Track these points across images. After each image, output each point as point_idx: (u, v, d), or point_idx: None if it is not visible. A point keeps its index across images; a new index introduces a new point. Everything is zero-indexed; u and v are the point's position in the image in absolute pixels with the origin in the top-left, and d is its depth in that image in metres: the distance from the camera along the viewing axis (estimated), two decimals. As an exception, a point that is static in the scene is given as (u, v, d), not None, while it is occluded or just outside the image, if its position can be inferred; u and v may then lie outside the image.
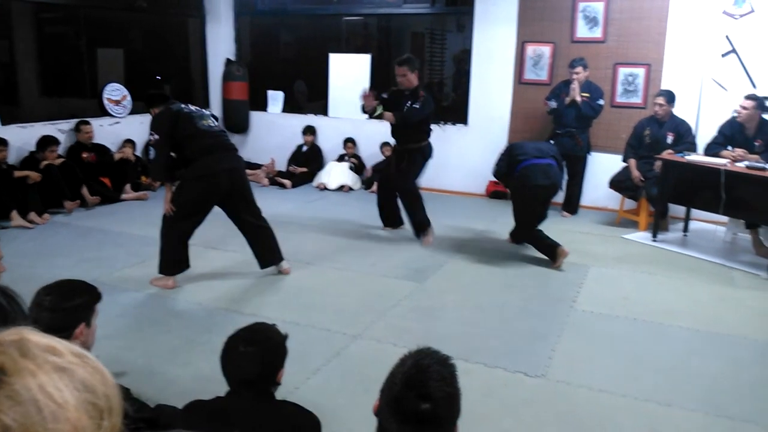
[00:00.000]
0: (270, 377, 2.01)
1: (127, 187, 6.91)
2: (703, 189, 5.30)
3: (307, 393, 2.91)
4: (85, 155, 6.71)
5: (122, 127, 7.51)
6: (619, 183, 6.17)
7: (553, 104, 6.39)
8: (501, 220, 5.93)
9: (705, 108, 6.30)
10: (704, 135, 5.97)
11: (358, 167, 7.92)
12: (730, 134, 5.57)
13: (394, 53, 8.47)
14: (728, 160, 5.26)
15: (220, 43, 8.62)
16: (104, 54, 7.72)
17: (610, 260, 5.13)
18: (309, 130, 8.14)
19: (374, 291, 4.36)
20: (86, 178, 6.44)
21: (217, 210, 4.34)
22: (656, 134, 5.93)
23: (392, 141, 5.73)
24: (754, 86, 6.02)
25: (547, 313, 4.05)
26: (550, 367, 3.30)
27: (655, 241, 5.66)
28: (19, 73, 7.08)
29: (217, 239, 5.14)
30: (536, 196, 4.99)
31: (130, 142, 7.29)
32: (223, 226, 4.61)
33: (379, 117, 5.33)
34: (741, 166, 5.11)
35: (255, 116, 8.63)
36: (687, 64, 6.32)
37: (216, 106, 8.63)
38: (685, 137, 5.86)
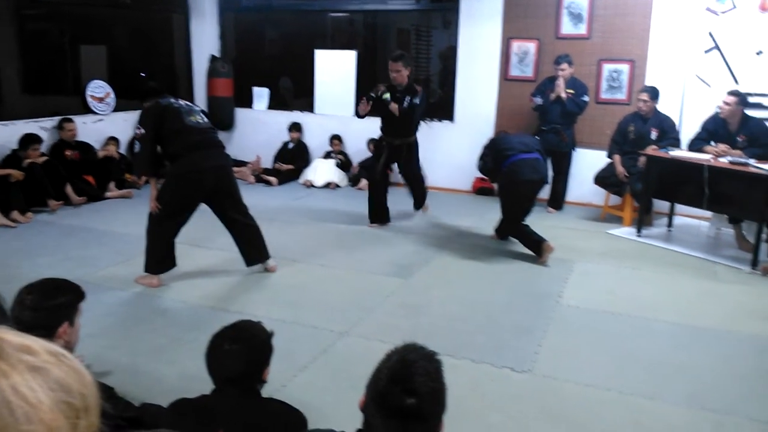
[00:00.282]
0: (255, 375, 2.01)
1: (112, 185, 6.85)
2: (686, 184, 5.34)
3: (293, 390, 2.90)
4: (68, 153, 6.65)
5: (106, 124, 7.44)
6: (604, 179, 6.21)
7: (539, 100, 6.41)
8: (487, 217, 5.95)
9: (688, 104, 6.36)
10: (688, 131, 6.03)
11: (344, 164, 7.90)
12: (713, 130, 5.62)
13: (380, 50, 8.47)
14: (711, 156, 5.31)
15: (205, 39, 8.57)
16: (87, 51, 7.65)
17: (595, 255, 5.16)
18: (295, 127, 8.11)
19: (361, 288, 4.36)
20: (70, 177, 6.38)
21: (202, 208, 4.31)
22: (640, 130, 5.97)
23: (379, 136, 5.77)
24: (736, 82, 6.08)
25: (533, 309, 4.07)
26: (536, 362, 3.32)
27: (639, 236, 5.70)
28: (1, 71, 6.99)
29: (203, 237, 5.11)
30: (525, 192, 5.01)
31: (113, 140, 7.22)
32: (209, 223, 4.58)
33: (386, 103, 5.44)
34: (724, 161, 5.16)
35: (240, 113, 8.59)
36: (670, 60, 6.37)
37: (201, 103, 8.56)
38: (668, 133, 5.91)
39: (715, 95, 5.93)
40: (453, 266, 4.86)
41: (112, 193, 6.80)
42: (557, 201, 6.66)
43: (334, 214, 6.33)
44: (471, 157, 6.49)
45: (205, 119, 4.35)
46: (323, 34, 8.38)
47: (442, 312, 3.98)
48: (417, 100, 5.46)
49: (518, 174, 4.93)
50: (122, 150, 7.33)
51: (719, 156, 5.29)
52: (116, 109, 7.57)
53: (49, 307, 2.11)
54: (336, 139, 7.97)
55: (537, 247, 4.92)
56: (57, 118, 6.84)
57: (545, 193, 5.87)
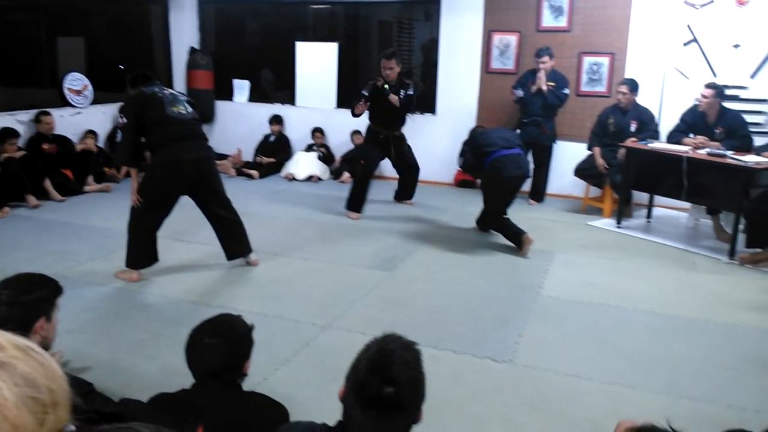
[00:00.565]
0: (235, 368, 2.00)
1: (90, 179, 6.76)
2: (665, 176, 5.40)
3: (275, 384, 2.90)
4: (45, 147, 6.55)
5: (84, 117, 7.34)
6: (584, 171, 6.25)
7: (520, 93, 6.44)
8: (469, 209, 5.97)
9: (667, 96, 6.42)
10: (667, 123, 6.09)
11: (326, 157, 7.88)
12: (692, 122, 5.68)
13: (362, 42, 8.43)
14: (690, 148, 5.37)
15: (184, 31, 8.47)
16: (65, 42, 7.52)
17: (575, 247, 5.20)
18: (276, 120, 8.07)
19: (343, 281, 4.36)
20: (48, 171, 6.29)
21: (183, 201, 4.27)
22: (620, 122, 6.02)
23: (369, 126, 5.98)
24: (714, 75, 6.15)
25: (514, 300, 4.10)
26: (517, 352, 3.35)
27: (619, 227, 5.76)
28: (-24, 63, 6.88)
29: (184, 231, 5.07)
30: (509, 187, 5.07)
31: (92, 133, 7.13)
32: (191, 217, 4.55)
33: (386, 94, 5.69)
34: (702, 153, 5.22)
35: (220, 106, 8.52)
36: (650, 53, 6.42)
37: (181, 95, 8.48)
38: (648, 125, 5.97)
39: (694, 88, 6.00)
40: (435, 258, 4.88)
41: (91, 187, 6.72)
42: (538, 193, 6.70)
43: (316, 207, 6.31)
44: (453, 150, 6.51)
45: (190, 109, 4.22)
46: (304, 26, 8.33)
47: (424, 304, 3.99)
48: (411, 91, 5.78)
49: (501, 170, 4.96)
50: (101, 143, 7.24)
51: (698, 148, 5.35)
52: (94, 102, 7.47)
53: (25, 303, 2.08)
54: (318, 131, 7.94)
55: (517, 239, 4.95)
56: (34, 111, 6.73)
57: (527, 185, 5.89)
